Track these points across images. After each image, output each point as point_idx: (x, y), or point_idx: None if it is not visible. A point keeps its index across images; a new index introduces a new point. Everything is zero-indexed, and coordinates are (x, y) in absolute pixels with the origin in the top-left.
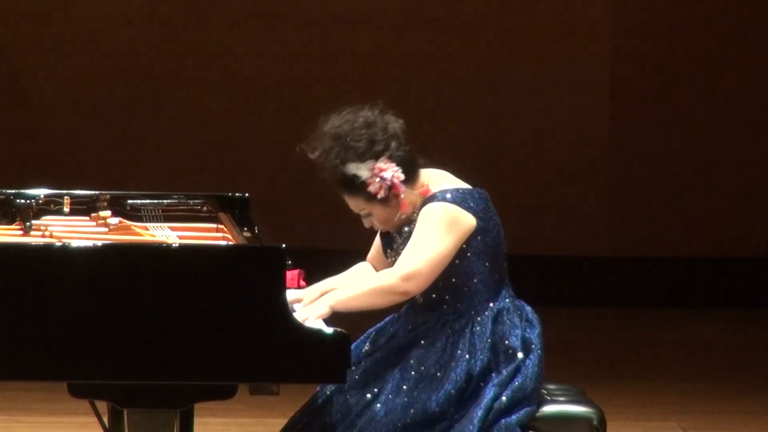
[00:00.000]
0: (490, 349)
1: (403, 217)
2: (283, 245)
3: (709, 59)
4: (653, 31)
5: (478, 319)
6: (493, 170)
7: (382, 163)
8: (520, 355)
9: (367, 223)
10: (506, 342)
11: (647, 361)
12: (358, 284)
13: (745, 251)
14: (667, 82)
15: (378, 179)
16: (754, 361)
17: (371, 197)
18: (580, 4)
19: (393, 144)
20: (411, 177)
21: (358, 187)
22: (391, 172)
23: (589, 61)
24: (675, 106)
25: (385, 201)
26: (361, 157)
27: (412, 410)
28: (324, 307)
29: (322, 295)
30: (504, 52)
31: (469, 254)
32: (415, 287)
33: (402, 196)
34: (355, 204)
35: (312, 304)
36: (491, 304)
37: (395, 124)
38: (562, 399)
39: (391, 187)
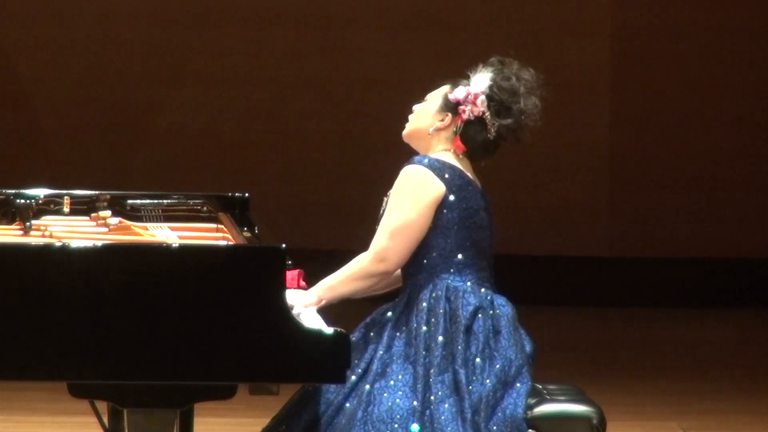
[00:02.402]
0: (443, 318)
1: (423, 134)
2: (283, 245)
3: (709, 59)
4: (653, 31)
5: (434, 294)
6: (492, 170)
7: (481, 104)
8: (463, 322)
9: (417, 106)
10: (458, 312)
11: (647, 361)
12: (339, 272)
13: (746, 251)
14: (667, 82)
15: (466, 94)
16: (753, 361)
17: (446, 97)
18: (580, 4)
19: (503, 121)
20: (472, 150)
21: (458, 82)
22: (470, 113)
23: (589, 61)
24: (675, 106)
25: (443, 108)
26: (492, 81)
27: (400, 392)
28: (312, 297)
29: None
30: (504, 52)
31: (431, 225)
32: (390, 265)
33: (446, 126)
34: (438, 91)
35: (301, 293)
36: (449, 282)
37: (523, 133)
38: (561, 399)
39: (453, 108)
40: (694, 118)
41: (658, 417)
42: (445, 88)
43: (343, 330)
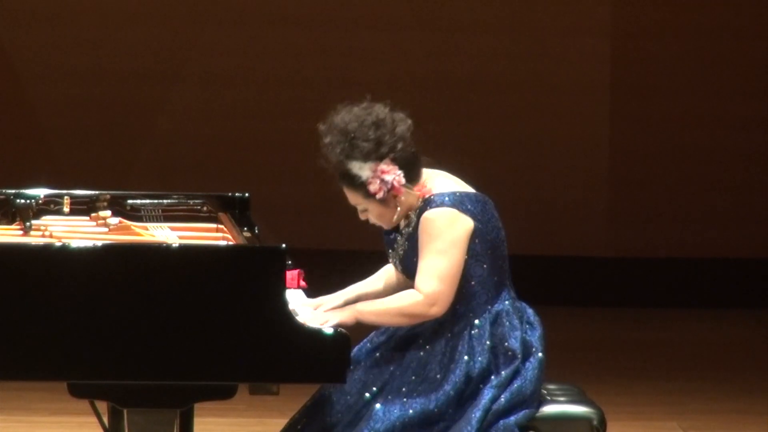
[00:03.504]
0: (490, 351)
1: (400, 215)
2: (283, 245)
3: (709, 59)
4: (653, 31)
5: (476, 321)
6: (493, 170)
7: (385, 165)
8: (519, 356)
9: (362, 216)
10: (506, 344)
11: (647, 361)
12: (386, 303)
13: (745, 251)
14: (667, 82)
15: (379, 181)
16: (753, 361)
17: (370, 195)
18: (580, 4)
19: (399, 146)
20: (412, 178)
21: (358, 184)
22: (393, 175)
23: (589, 61)
24: (675, 105)
25: (383, 201)
26: (366, 158)
27: (410, 410)
28: (349, 316)
29: (346, 303)
30: (504, 52)
31: (466, 257)
32: (441, 309)
33: (402, 197)
34: (353, 198)
35: (339, 310)
36: (490, 307)
37: (403, 125)
38: (562, 399)
39: (391, 189)
40: (694, 118)
41: (658, 417)
42: (355, 195)
43: (343, 330)
